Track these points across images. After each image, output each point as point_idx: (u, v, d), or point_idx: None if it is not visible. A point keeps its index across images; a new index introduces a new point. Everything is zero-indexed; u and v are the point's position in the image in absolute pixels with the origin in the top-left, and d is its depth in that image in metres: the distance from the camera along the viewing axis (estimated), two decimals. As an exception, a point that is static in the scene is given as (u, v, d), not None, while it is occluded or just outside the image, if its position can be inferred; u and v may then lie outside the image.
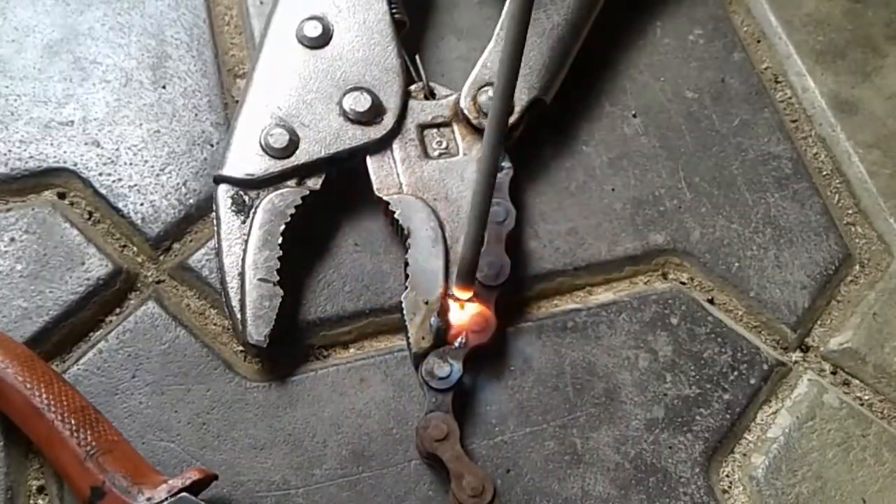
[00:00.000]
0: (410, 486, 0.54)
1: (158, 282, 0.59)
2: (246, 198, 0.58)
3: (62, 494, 0.52)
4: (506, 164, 0.61)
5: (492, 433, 0.56)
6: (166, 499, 0.48)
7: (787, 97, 0.71)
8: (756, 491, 0.56)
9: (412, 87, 0.63)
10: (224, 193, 0.58)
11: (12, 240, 0.59)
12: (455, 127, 0.62)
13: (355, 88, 0.61)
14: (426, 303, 0.56)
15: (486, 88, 0.62)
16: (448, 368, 0.55)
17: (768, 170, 0.67)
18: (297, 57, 0.62)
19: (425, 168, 0.60)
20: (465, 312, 0.56)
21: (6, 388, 0.50)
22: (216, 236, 0.57)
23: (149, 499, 0.47)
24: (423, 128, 0.62)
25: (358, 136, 0.60)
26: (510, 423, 0.57)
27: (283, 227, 0.57)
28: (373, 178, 0.60)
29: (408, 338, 0.56)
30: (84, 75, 0.65)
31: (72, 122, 0.63)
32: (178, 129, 0.64)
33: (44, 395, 0.49)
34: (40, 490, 0.53)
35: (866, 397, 0.60)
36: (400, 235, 0.59)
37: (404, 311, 0.56)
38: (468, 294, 0.56)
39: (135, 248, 0.60)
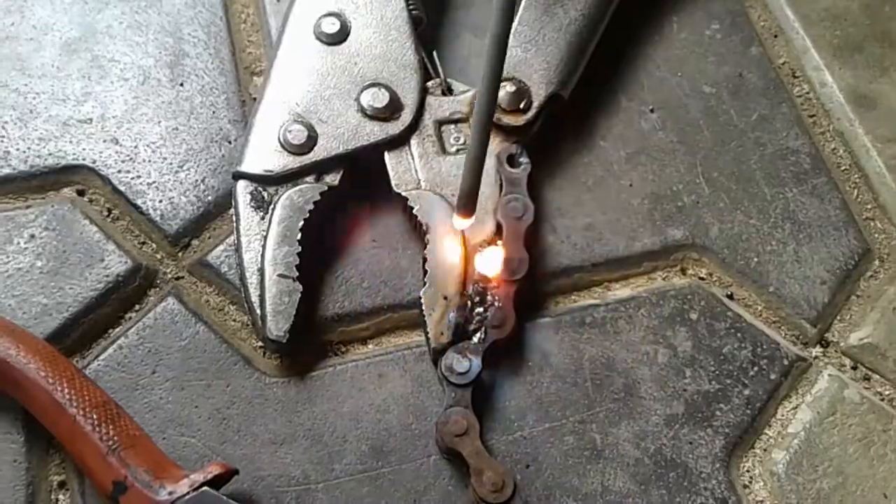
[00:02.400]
0: (430, 482, 0.54)
1: (178, 278, 0.60)
2: (265, 194, 0.58)
3: (83, 489, 0.52)
4: (523, 159, 0.61)
5: (511, 428, 0.56)
6: (188, 493, 0.48)
7: (805, 92, 0.71)
8: (777, 486, 0.56)
9: (429, 84, 0.63)
10: (243, 190, 0.58)
11: (32, 237, 0.59)
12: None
13: (373, 84, 0.61)
14: (445, 298, 0.56)
15: (503, 83, 0.61)
16: (467, 364, 0.55)
17: (787, 164, 0.66)
18: (315, 53, 0.62)
19: (443, 164, 0.60)
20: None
21: (28, 383, 0.50)
22: (235, 232, 0.57)
23: (170, 493, 0.47)
24: (440, 123, 0.62)
25: (376, 132, 0.60)
26: (529, 418, 0.56)
27: (301, 223, 0.57)
28: (391, 173, 0.60)
29: (427, 333, 0.56)
30: (102, 73, 0.65)
31: (90, 119, 0.63)
32: (197, 126, 0.64)
33: (66, 391, 0.50)
34: (62, 485, 0.53)
35: (887, 392, 0.60)
36: (418, 231, 0.59)
37: (423, 307, 0.56)
38: (468, 221, 0.55)
39: (154, 245, 0.60)
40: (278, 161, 0.58)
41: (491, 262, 0.57)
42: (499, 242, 0.58)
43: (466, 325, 0.56)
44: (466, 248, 0.58)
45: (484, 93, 0.47)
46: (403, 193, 0.59)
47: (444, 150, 0.61)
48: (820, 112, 0.70)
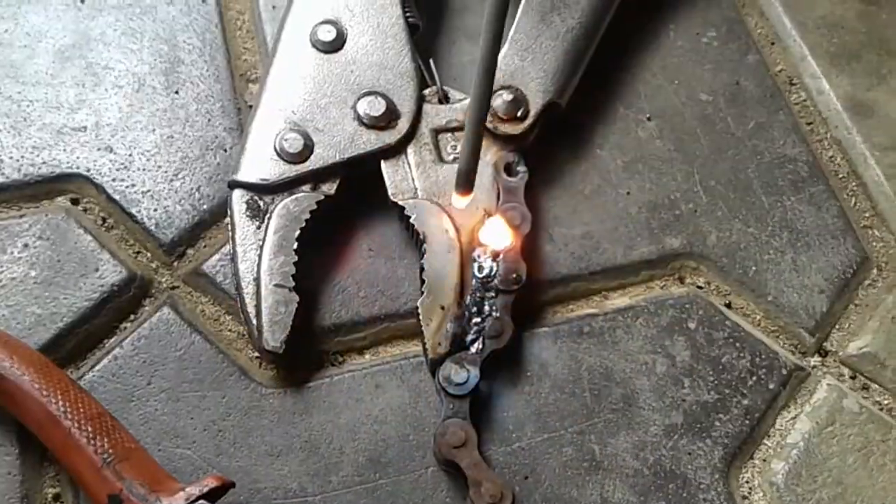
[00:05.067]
0: (428, 493, 0.54)
1: (173, 288, 0.59)
2: (261, 203, 0.57)
3: (78, 502, 0.52)
4: (521, 168, 0.61)
5: (509, 439, 0.56)
6: (184, 506, 0.47)
7: (802, 100, 0.71)
8: (776, 497, 0.56)
9: (426, 92, 0.63)
10: (239, 199, 0.57)
11: (26, 246, 0.58)
12: (469, 131, 0.62)
13: (370, 93, 0.60)
14: (442, 308, 0.56)
15: (500, 92, 0.61)
16: (465, 374, 0.54)
17: (784, 173, 0.66)
18: (311, 61, 0.61)
19: (440, 172, 0.60)
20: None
21: (22, 395, 0.49)
22: (231, 242, 0.57)
23: (166, 506, 0.47)
24: (437, 132, 0.61)
25: (372, 140, 0.60)
26: (528, 429, 0.56)
27: (298, 232, 0.56)
28: (388, 182, 0.59)
29: (424, 343, 0.56)
30: (96, 81, 0.65)
31: (84, 127, 0.63)
32: (192, 134, 0.63)
33: (60, 403, 0.49)
34: (56, 498, 0.52)
35: (886, 402, 0.60)
36: (415, 240, 0.59)
37: (420, 317, 0.56)
38: (466, 199, 0.54)
39: (149, 254, 0.60)
40: (274, 169, 0.58)
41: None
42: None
43: (464, 335, 0.56)
44: (464, 258, 0.57)
45: (482, 65, 0.46)
46: (400, 202, 0.59)
47: (440, 159, 0.60)
48: (817, 120, 0.70)
